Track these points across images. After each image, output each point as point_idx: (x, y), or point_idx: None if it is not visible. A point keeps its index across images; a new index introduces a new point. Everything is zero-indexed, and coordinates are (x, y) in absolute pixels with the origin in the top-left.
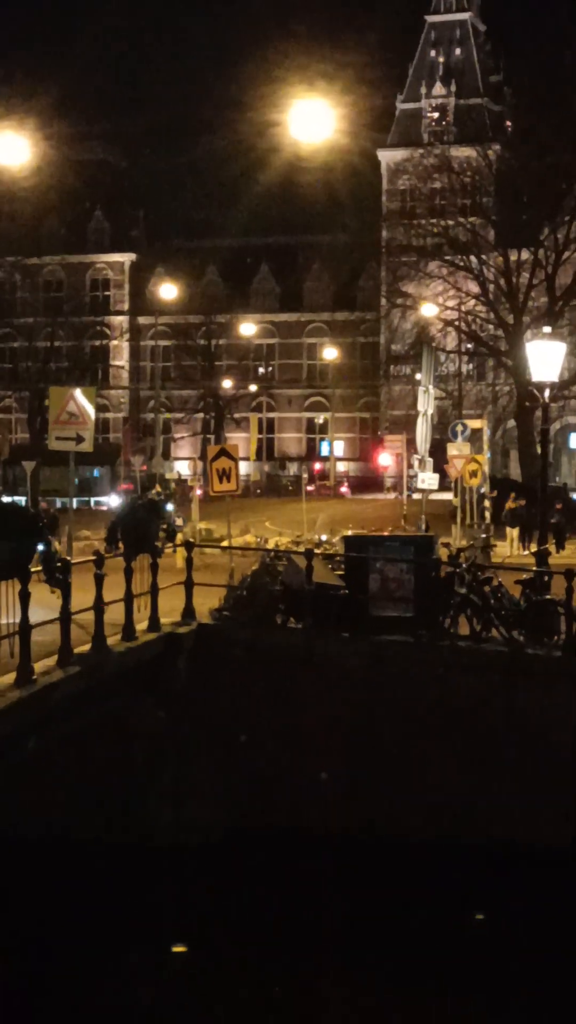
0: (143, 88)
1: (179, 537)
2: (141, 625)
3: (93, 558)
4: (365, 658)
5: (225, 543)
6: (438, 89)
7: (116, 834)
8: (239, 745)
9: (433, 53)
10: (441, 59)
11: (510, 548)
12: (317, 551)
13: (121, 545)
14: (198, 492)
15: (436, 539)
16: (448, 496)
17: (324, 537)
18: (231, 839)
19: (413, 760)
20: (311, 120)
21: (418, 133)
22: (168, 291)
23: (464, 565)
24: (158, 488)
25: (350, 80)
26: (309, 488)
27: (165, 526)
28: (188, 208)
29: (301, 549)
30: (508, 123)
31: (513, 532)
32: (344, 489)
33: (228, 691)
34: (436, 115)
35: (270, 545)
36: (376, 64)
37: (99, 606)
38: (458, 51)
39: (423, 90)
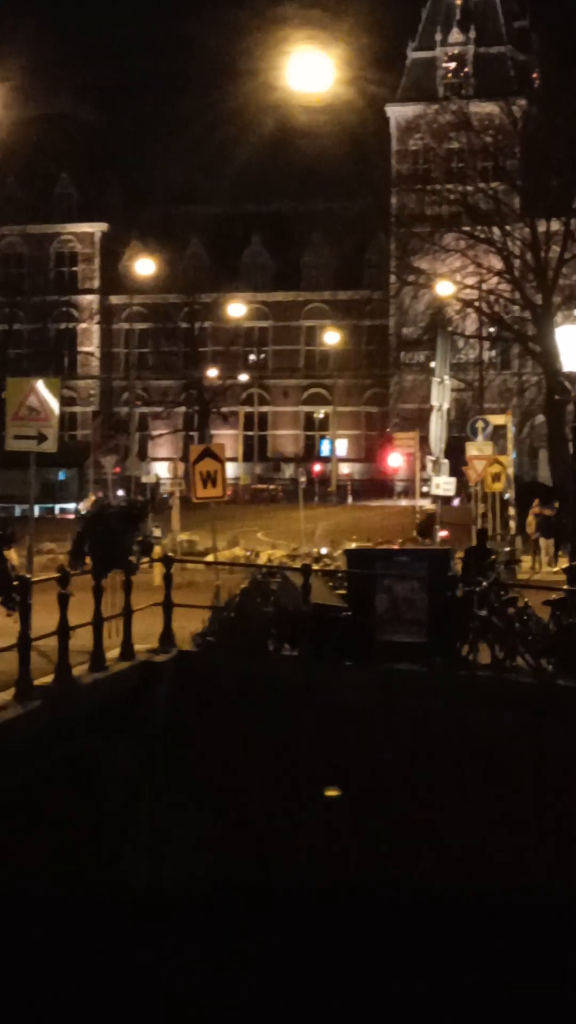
0: (118, 33)
1: (156, 551)
2: (112, 653)
3: (57, 575)
4: (371, 690)
5: (210, 557)
6: (455, 35)
7: (85, 891)
8: (227, 790)
9: None
10: (458, 2)
11: (537, 564)
12: (316, 567)
13: (89, 560)
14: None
15: (453, 553)
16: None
17: (324, 551)
18: (218, 897)
19: (426, 807)
20: (310, 70)
21: (432, 86)
22: (145, 266)
23: (485, 583)
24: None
25: (354, 24)
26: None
27: (140, 538)
28: (169, 171)
29: (297, 564)
30: (535, 75)
31: (548, 544)
32: (348, 495)
33: (213, 729)
34: (453, 65)
35: (262, 560)
36: (384, 5)
37: (64, 631)
38: None
39: (438, 36)
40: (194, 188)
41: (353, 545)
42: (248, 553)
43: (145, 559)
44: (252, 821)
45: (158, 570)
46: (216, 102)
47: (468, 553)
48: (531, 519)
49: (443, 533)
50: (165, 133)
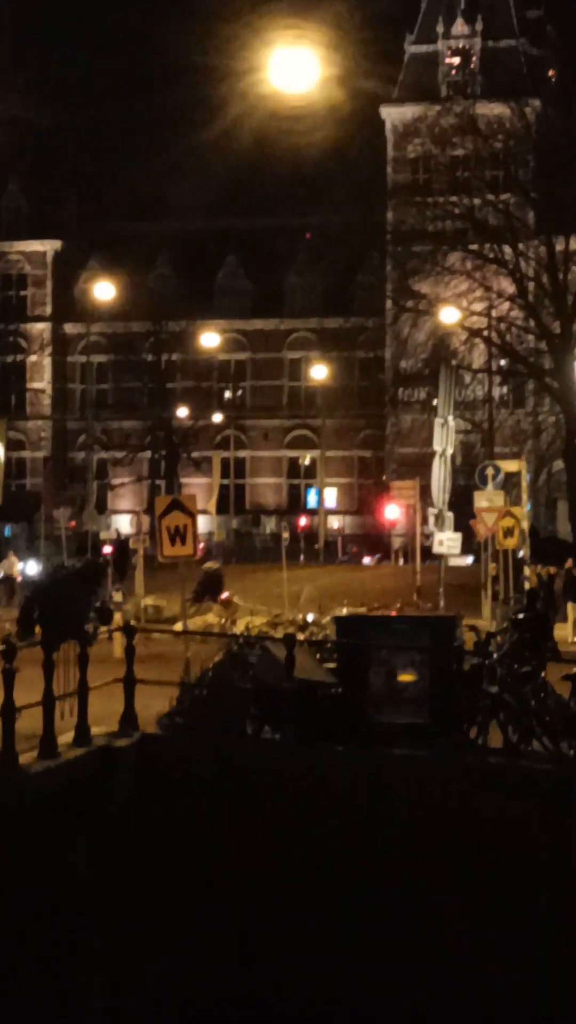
0: (75, 26)
1: (117, 618)
2: (66, 737)
3: (1, 647)
4: (364, 779)
5: (178, 626)
6: (459, 27)
7: (29, 1018)
8: (197, 895)
9: None
10: None
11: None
12: (301, 636)
13: (39, 630)
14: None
15: (459, 620)
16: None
17: (311, 617)
18: None
19: (427, 916)
20: (294, 67)
21: (433, 84)
22: (105, 290)
23: (496, 655)
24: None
25: (344, 13)
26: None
27: (98, 604)
28: (132, 181)
29: (280, 633)
30: (551, 72)
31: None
32: (338, 553)
33: (182, 825)
34: (457, 61)
35: (239, 628)
36: None
37: (9, 711)
38: None
39: (440, 28)
40: (161, 201)
41: (344, 611)
42: (223, 620)
43: (103, 628)
44: (225, 932)
45: (118, 640)
46: (187, 104)
47: (521, 625)
48: (559, 581)
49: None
50: (129, 138)
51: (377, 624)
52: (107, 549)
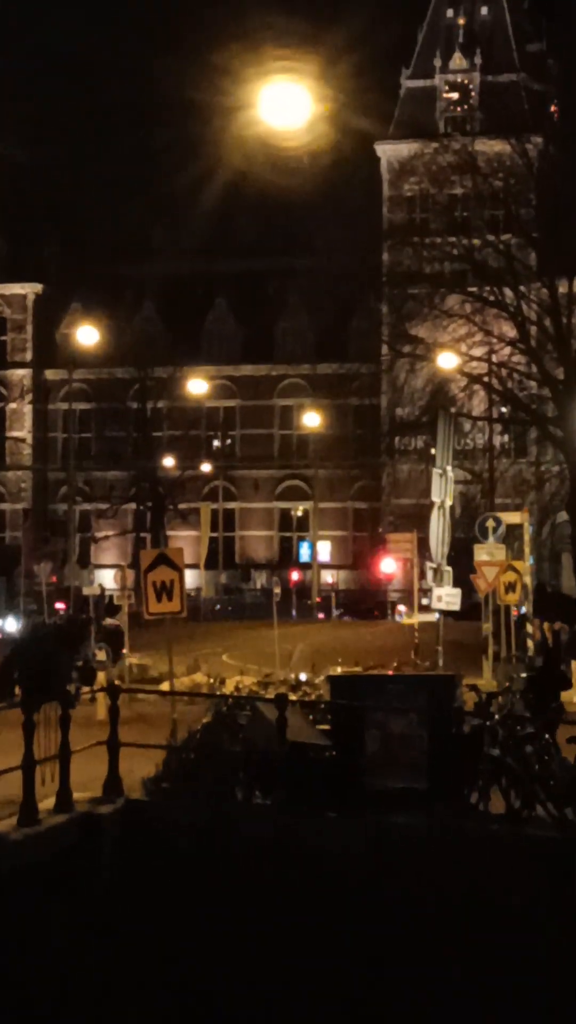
0: (58, 56)
1: (100, 678)
2: (47, 803)
3: None
4: (360, 846)
5: (165, 686)
6: (457, 61)
7: None
8: (183, 969)
9: (450, 12)
10: (461, 20)
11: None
12: (293, 697)
13: (19, 690)
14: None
15: (459, 680)
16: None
17: (303, 677)
18: None
19: (428, 997)
20: (286, 102)
21: (431, 120)
22: (88, 335)
23: (498, 716)
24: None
25: (338, 47)
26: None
27: (80, 663)
28: (117, 222)
29: (271, 694)
30: (553, 107)
31: None
32: (332, 609)
33: (170, 896)
34: (455, 96)
35: (228, 688)
36: (373, 26)
37: None
38: (484, 9)
39: (437, 62)
40: (147, 243)
41: (338, 670)
42: (212, 680)
43: (86, 688)
44: (215, 1008)
45: (102, 701)
46: (174, 141)
47: (533, 681)
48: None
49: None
50: (113, 178)
51: (373, 684)
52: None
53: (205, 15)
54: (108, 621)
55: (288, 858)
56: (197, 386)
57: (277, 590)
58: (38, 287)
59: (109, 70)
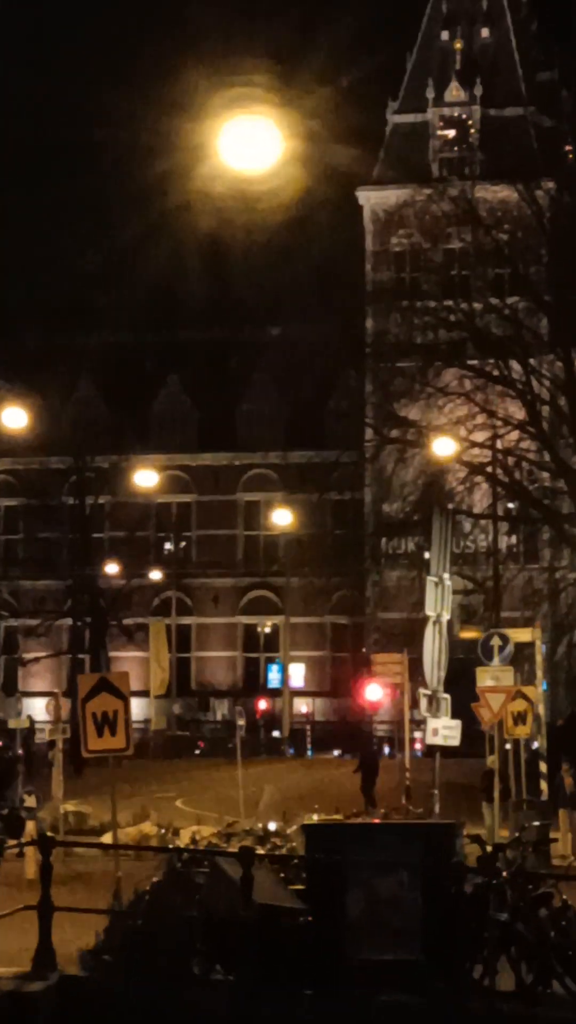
0: None
1: (30, 828)
2: None
3: None
4: None
5: (107, 837)
6: (454, 92)
7: None
8: None
9: (446, 35)
10: (458, 44)
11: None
12: (260, 850)
13: None
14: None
15: (460, 829)
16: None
17: (273, 826)
18: None
19: None
20: (251, 142)
21: (422, 162)
22: (15, 418)
23: (506, 873)
24: None
25: (313, 78)
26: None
27: (5, 811)
28: (50, 285)
29: (235, 847)
30: (567, 147)
31: None
32: (307, 745)
33: None
34: (451, 133)
35: (183, 841)
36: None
37: None
38: (486, 32)
39: (430, 93)
40: (87, 307)
41: (315, 818)
42: (163, 831)
43: (12, 841)
44: None
45: (31, 857)
46: (119, 189)
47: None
48: (568, 779)
49: None
50: (47, 231)
51: (356, 835)
52: None
53: (155, 43)
54: None
55: None
56: (145, 478)
57: (241, 722)
58: None
59: (40, 106)
